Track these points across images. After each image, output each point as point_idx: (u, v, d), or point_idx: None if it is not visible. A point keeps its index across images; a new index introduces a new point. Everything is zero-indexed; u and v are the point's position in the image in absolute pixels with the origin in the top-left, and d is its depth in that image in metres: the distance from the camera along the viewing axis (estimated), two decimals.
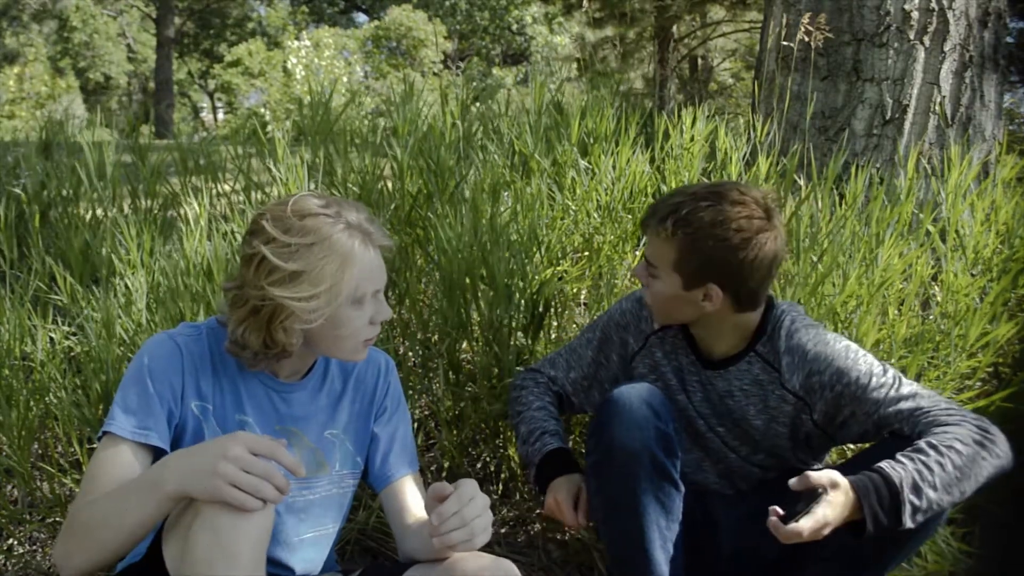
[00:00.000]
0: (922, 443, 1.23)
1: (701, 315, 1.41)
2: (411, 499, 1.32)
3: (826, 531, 1.17)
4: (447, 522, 1.07)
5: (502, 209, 2.29)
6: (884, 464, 1.21)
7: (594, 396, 1.60)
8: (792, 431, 1.45)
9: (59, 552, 1.06)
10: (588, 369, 1.59)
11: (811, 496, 1.17)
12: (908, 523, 1.19)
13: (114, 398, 1.14)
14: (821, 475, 1.18)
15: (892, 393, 1.33)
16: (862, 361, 1.37)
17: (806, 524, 1.15)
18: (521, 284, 1.97)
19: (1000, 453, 1.24)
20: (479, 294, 2.00)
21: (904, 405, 1.32)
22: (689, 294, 1.37)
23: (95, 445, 1.12)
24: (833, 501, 1.17)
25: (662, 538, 1.34)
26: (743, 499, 1.51)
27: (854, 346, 1.40)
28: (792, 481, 1.18)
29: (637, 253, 2.48)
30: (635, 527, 1.33)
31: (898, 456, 1.23)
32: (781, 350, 1.42)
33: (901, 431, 1.32)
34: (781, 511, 1.17)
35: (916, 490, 1.18)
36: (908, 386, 1.34)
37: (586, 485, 1.42)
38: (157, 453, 1.12)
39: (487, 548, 1.31)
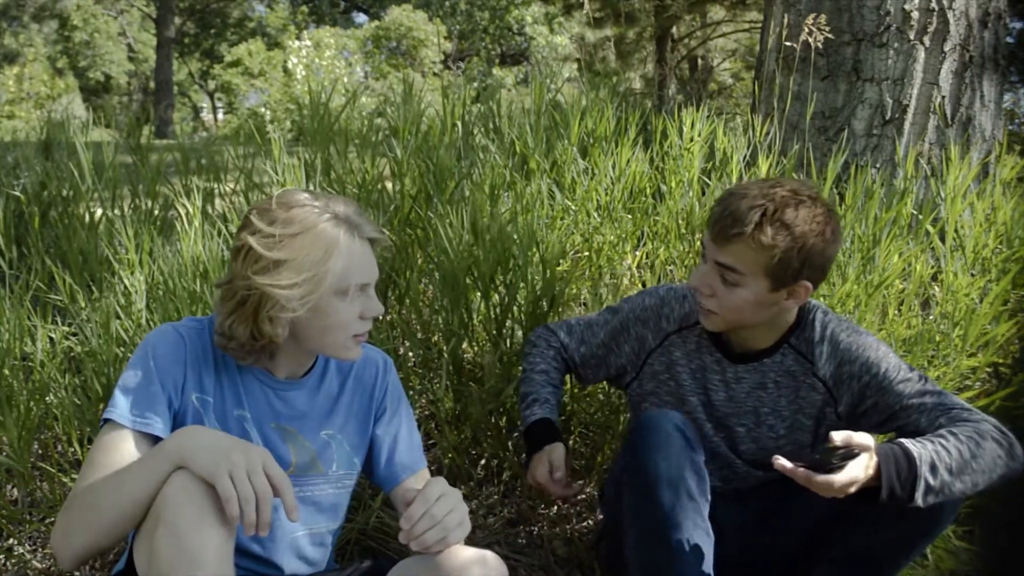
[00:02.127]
0: (944, 431, 1.27)
1: (772, 314, 1.40)
2: None
3: (852, 488, 1.19)
4: (417, 524, 1.07)
5: (502, 210, 2.29)
6: (905, 440, 1.24)
7: (600, 374, 1.63)
8: (816, 424, 1.46)
9: (58, 536, 1.05)
10: (598, 350, 1.60)
11: (830, 452, 1.19)
12: (919, 500, 1.21)
13: (116, 385, 1.15)
14: (862, 438, 1.20)
15: (918, 387, 1.37)
16: (891, 356, 1.41)
17: (840, 477, 1.17)
18: (522, 284, 1.97)
19: (1016, 455, 1.28)
20: (480, 294, 2.00)
21: (928, 399, 1.35)
22: (775, 295, 1.36)
23: (83, 465, 1.11)
24: (865, 463, 1.20)
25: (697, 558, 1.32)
26: (747, 502, 1.51)
27: (883, 341, 1.44)
28: (837, 437, 1.19)
29: (637, 253, 2.48)
30: (668, 553, 1.31)
31: (919, 437, 1.26)
32: (815, 340, 1.44)
33: (918, 423, 1.34)
34: (789, 463, 1.18)
35: (933, 469, 1.21)
36: (932, 384, 1.38)
37: (622, 511, 1.40)
38: (157, 443, 1.12)
39: (481, 544, 1.31)
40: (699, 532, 1.31)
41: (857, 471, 1.18)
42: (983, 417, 1.31)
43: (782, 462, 1.18)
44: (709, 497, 1.35)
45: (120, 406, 1.12)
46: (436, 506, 1.08)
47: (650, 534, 1.32)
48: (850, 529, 1.32)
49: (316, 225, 1.14)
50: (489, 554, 1.15)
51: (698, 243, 1.59)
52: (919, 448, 1.22)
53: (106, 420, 1.12)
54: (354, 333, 1.20)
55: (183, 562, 0.94)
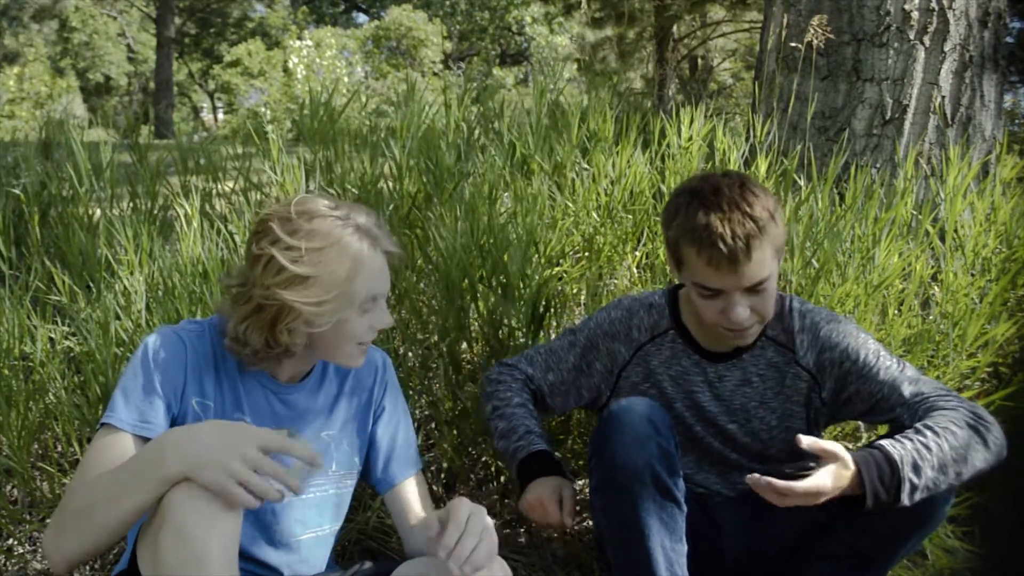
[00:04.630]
0: (920, 425, 1.27)
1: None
2: (415, 500, 1.33)
3: (820, 499, 1.19)
4: (459, 548, 1.03)
5: (501, 210, 2.29)
6: (885, 442, 1.24)
7: (570, 401, 1.57)
8: (806, 410, 1.47)
9: (49, 539, 1.03)
10: (568, 375, 1.54)
11: (803, 464, 1.20)
12: (906, 500, 1.21)
13: (115, 389, 1.14)
14: (830, 446, 1.20)
15: (897, 375, 1.37)
16: (871, 342, 1.41)
17: (801, 485, 1.17)
18: (521, 284, 1.97)
19: (994, 441, 1.27)
20: (478, 295, 2.00)
21: (907, 389, 1.35)
22: (778, 268, 1.37)
23: (78, 467, 1.11)
24: (834, 472, 1.19)
25: (668, 560, 1.32)
26: (746, 501, 1.50)
27: (862, 328, 1.45)
28: (804, 440, 1.19)
29: (637, 253, 2.48)
30: (641, 550, 1.30)
31: (897, 436, 1.26)
32: (795, 329, 1.44)
33: (901, 418, 1.35)
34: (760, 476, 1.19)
35: (915, 469, 1.21)
36: (911, 370, 1.38)
37: (591, 506, 1.40)
38: None
39: None
40: (669, 521, 1.30)
41: (823, 480, 1.18)
42: (960, 403, 1.30)
43: (755, 478, 1.19)
44: (683, 484, 1.34)
45: (119, 410, 1.11)
46: (471, 524, 1.06)
47: (619, 526, 1.31)
48: (846, 524, 1.32)
49: (341, 239, 1.13)
50: (496, 558, 1.15)
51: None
52: (899, 449, 1.22)
53: (103, 424, 1.11)
54: (359, 341, 1.20)
55: (189, 563, 0.94)
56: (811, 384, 1.45)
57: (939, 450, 1.23)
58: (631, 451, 1.27)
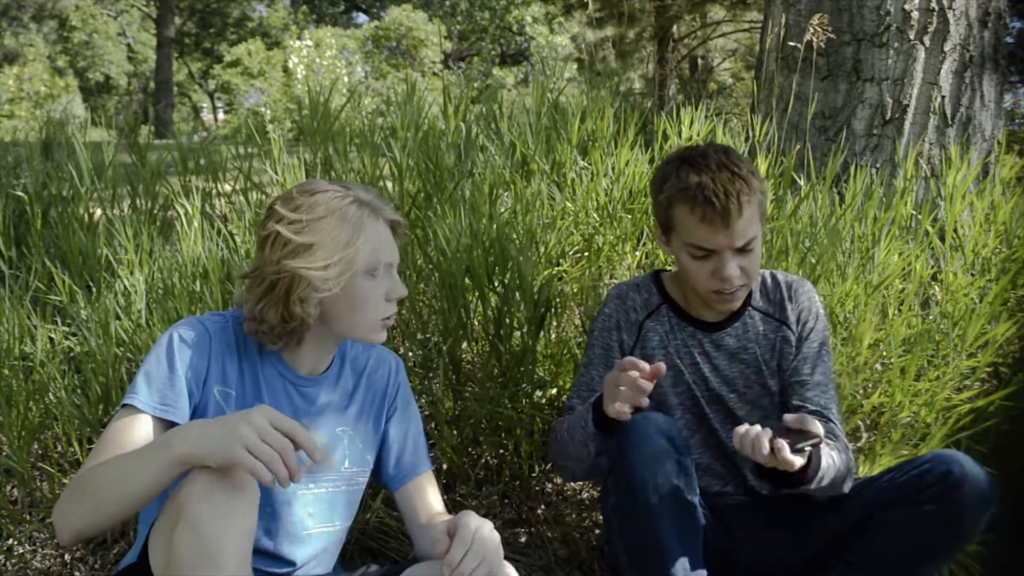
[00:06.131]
0: (836, 443, 1.39)
1: None
2: (425, 499, 1.34)
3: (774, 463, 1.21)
4: (464, 563, 1.05)
5: (502, 210, 2.29)
6: (823, 450, 1.31)
7: None
8: (796, 363, 1.52)
9: (60, 512, 1.05)
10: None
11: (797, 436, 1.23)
12: (812, 485, 1.29)
13: (137, 372, 1.16)
14: (792, 460, 1.21)
15: (819, 379, 1.47)
16: (826, 333, 1.51)
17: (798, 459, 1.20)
18: (521, 284, 1.97)
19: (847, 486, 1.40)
20: (479, 294, 2.00)
21: (819, 400, 1.45)
22: (761, 230, 1.43)
23: (95, 446, 1.12)
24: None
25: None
26: (759, 507, 1.50)
27: (827, 324, 1.54)
28: (789, 417, 1.22)
29: (637, 253, 2.48)
30: (658, 567, 1.28)
31: (833, 447, 1.36)
32: (784, 298, 1.52)
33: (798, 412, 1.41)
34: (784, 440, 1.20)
35: (829, 470, 1.31)
36: (832, 388, 1.48)
37: (606, 522, 1.39)
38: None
39: None
40: (690, 536, 1.30)
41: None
42: (848, 448, 1.42)
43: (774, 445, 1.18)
44: (697, 497, 1.33)
45: (141, 392, 1.13)
46: (475, 542, 1.07)
47: (638, 540, 1.30)
48: (869, 535, 1.34)
49: (340, 208, 1.18)
50: (504, 563, 1.15)
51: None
52: (828, 450, 1.32)
53: (124, 405, 1.13)
54: (382, 316, 1.23)
55: (203, 561, 0.94)
56: (793, 349, 1.51)
57: (838, 469, 1.33)
58: (650, 468, 1.27)
